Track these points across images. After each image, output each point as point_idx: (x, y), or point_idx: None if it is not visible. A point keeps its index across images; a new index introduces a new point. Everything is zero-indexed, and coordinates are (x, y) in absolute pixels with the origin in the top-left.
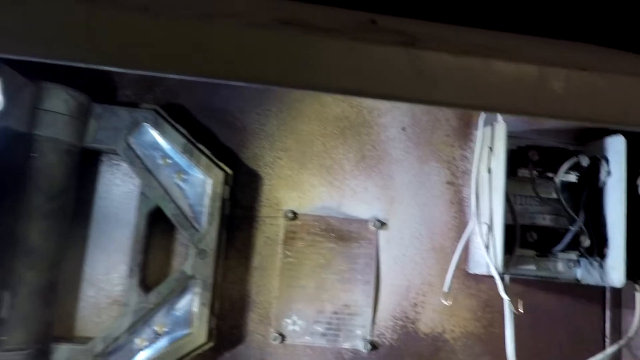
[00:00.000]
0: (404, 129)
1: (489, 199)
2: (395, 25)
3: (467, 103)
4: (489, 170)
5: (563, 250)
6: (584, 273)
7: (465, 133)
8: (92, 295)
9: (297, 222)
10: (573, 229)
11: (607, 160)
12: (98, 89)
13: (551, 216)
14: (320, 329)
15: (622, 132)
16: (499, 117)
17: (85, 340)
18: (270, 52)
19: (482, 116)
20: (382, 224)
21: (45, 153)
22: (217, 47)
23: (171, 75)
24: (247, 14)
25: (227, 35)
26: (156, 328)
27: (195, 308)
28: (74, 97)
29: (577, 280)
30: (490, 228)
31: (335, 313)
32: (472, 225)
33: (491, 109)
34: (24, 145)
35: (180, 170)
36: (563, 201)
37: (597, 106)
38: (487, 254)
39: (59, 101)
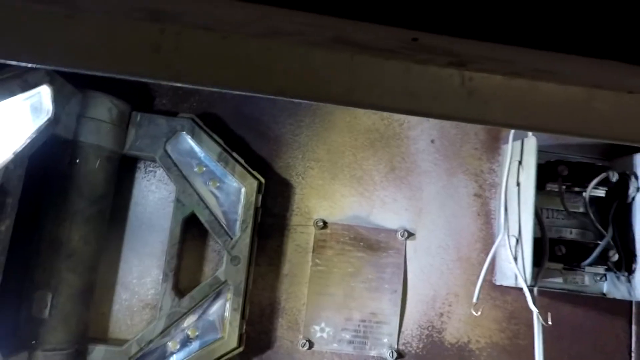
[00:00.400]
0: (432, 141)
1: (517, 212)
2: (437, 43)
3: (516, 123)
4: (518, 184)
5: (591, 265)
6: (611, 287)
7: (493, 147)
8: (126, 298)
9: (327, 230)
10: (602, 243)
11: (636, 177)
12: (138, 97)
13: (578, 230)
14: (347, 336)
15: None
16: (530, 132)
17: (118, 342)
18: (331, 71)
19: (513, 131)
20: (410, 234)
21: (88, 159)
22: (282, 65)
23: (237, 92)
24: (303, 32)
25: (291, 53)
26: (189, 332)
27: (227, 313)
28: (117, 105)
29: (603, 294)
30: (518, 241)
31: (363, 321)
32: (500, 237)
33: (538, 129)
34: (69, 152)
35: (215, 178)
36: (592, 216)
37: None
38: (515, 266)
39: (103, 109)
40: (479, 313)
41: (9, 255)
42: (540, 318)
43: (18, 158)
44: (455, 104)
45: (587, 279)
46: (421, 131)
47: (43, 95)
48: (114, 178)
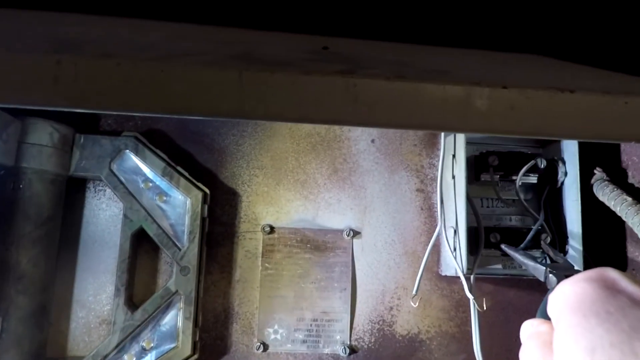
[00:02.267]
0: (373, 141)
1: (454, 204)
2: (344, 49)
3: (400, 123)
4: (453, 177)
5: (526, 248)
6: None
7: (432, 142)
8: (83, 315)
9: (275, 235)
10: (534, 228)
11: (563, 162)
12: (82, 120)
13: (517, 217)
14: (301, 336)
15: None
16: (414, 130)
17: (77, 359)
18: (220, 87)
19: None
20: (356, 233)
21: (31, 184)
22: (174, 86)
23: (135, 113)
24: (207, 51)
25: (183, 74)
26: (144, 344)
27: (180, 322)
28: (58, 129)
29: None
30: (455, 232)
31: (315, 320)
32: (438, 229)
33: (422, 127)
34: (11, 177)
35: (161, 193)
36: (523, 202)
37: (515, 120)
38: (453, 256)
39: (43, 134)
40: (417, 304)
41: None
42: (476, 304)
43: None
44: (341, 110)
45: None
46: (361, 132)
47: None
48: (61, 200)
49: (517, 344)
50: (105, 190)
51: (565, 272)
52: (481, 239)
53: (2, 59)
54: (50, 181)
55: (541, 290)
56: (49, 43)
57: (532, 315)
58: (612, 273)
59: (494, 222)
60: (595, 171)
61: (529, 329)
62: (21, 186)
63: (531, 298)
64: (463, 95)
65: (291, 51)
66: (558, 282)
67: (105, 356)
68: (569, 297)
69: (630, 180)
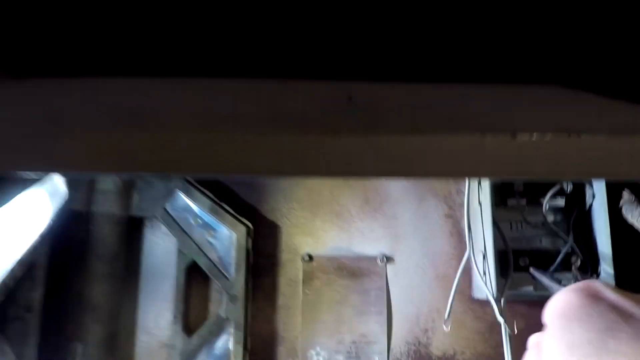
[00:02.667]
0: None
1: (481, 229)
2: (369, 97)
3: (416, 173)
4: (480, 203)
5: (556, 271)
6: None
7: None
8: (146, 340)
9: (314, 263)
10: (563, 250)
11: (591, 184)
12: None
13: (547, 239)
14: (341, 358)
15: None
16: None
17: None
18: (258, 151)
19: None
20: (389, 259)
21: (100, 225)
22: (215, 150)
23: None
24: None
25: (223, 141)
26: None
27: (231, 346)
28: (121, 176)
29: None
30: (484, 256)
31: (354, 342)
32: (467, 254)
33: (436, 175)
34: (84, 221)
35: (209, 228)
36: (551, 225)
37: (523, 166)
38: (482, 280)
39: (109, 181)
40: (449, 329)
41: (45, 316)
42: (508, 328)
43: (43, 236)
44: (364, 165)
45: (555, 286)
46: None
47: (56, 181)
48: (125, 238)
49: None
50: (160, 227)
51: None
52: (510, 262)
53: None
54: (115, 222)
55: None
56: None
57: None
58: (597, 284)
59: (524, 246)
60: (623, 193)
61: (531, 340)
62: (92, 228)
63: None
64: (474, 144)
65: (315, 103)
66: None
67: None
68: (557, 305)
69: None
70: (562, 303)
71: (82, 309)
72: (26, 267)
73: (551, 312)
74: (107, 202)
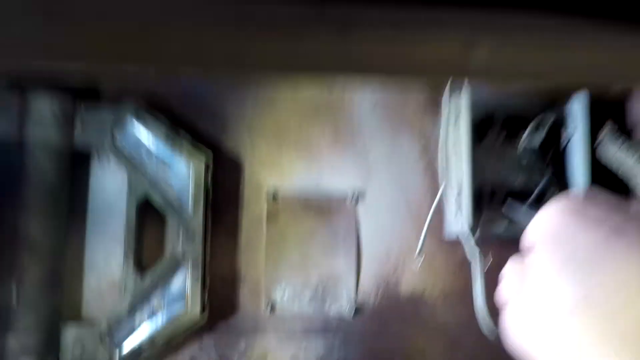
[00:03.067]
0: (375, 104)
1: (456, 165)
2: (342, 12)
3: (396, 79)
4: (457, 138)
5: (531, 207)
6: None
7: (435, 103)
8: (95, 281)
9: (279, 200)
10: (539, 186)
11: (570, 119)
12: (81, 90)
13: (522, 177)
14: (307, 296)
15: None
16: (465, 84)
17: (91, 321)
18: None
19: (449, 83)
20: (360, 196)
21: (36, 155)
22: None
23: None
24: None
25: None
26: (154, 306)
27: (188, 285)
28: (59, 100)
29: None
30: (459, 192)
31: (321, 281)
32: (441, 190)
33: (420, 78)
34: (18, 151)
35: (164, 161)
36: (528, 161)
37: (513, 69)
38: (455, 218)
39: (44, 106)
40: (420, 265)
41: None
42: (480, 264)
43: None
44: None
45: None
46: (363, 96)
47: None
48: (67, 170)
49: None
50: (109, 161)
51: None
52: (485, 198)
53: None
54: (54, 152)
55: None
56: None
57: None
58: (574, 197)
59: (499, 183)
60: (606, 123)
61: (507, 269)
62: (27, 159)
63: None
64: (462, 45)
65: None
66: None
67: (119, 318)
68: (542, 225)
69: (637, 138)
70: (547, 223)
71: (16, 247)
72: None
73: (535, 234)
74: (42, 129)
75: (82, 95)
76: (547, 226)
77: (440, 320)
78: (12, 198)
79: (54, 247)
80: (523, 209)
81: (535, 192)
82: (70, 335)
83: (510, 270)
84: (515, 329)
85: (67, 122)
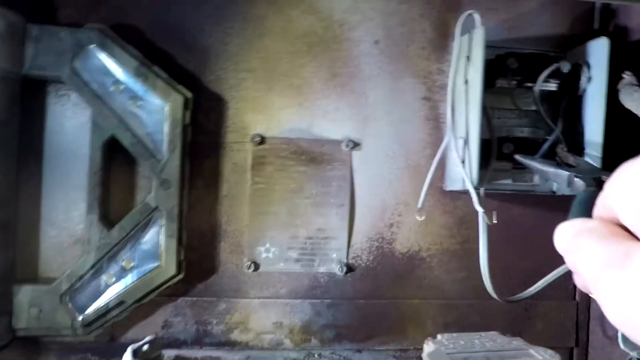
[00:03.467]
0: (376, 42)
1: (465, 112)
2: None
3: None
4: (466, 82)
5: (543, 160)
6: (560, 184)
7: (442, 45)
8: (54, 235)
9: (266, 146)
10: (550, 138)
11: (588, 66)
12: (34, 9)
13: (530, 128)
14: (294, 255)
15: (608, 35)
16: (477, 22)
17: (50, 280)
18: None
19: (460, 23)
20: (355, 145)
21: None
22: None
23: None
24: None
25: None
26: (123, 264)
27: (162, 240)
28: (5, 16)
29: (553, 192)
30: (466, 142)
31: (310, 238)
32: (447, 140)
33: None
34: None
35: (135, 96)
36: (542, 111)
37: None
38: (462, 169)
39: None
40: (423, 218)
41: None
42: (486, 217)
43: None
44: None
45: (536, 178)
46: (364, 32)
47: None
48: (16, 102)
49: (517, 261)
50: (69, 95)
51: (591, 174)
52: (493, 150)
53: None
54: (0, 79)
55: (548, 207)
56: None
57: (534, 232)
58: None
59: (505, 133)
60: (624, 75)
61: (576, 228)
62: None
63: (536, 215)
64: None
65: None
66: (587, 185)
67: (81, 276)
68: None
69: None
70: None
71: None
72: None
73: (637, 194)
74: None
75: (36, 15)
76: None
77: (436, 279)
78: None
79: (4, 194)
80: (537, 160)
81: (548, 143)
82: (24, 296)
83: (585, 234)
84: (623, 309)
85: (16, 42)
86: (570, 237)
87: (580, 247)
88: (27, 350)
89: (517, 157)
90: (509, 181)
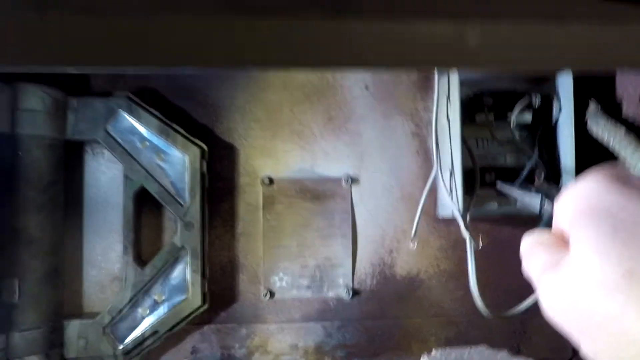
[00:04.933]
0: (367, 87)
1: (449, 145)
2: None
3: (392, 65)
4: (448, 119)
5: (521, 186)
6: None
7: (425, 85)
8: (95, 274)
9: (274, 187)
10: (528, 164)
11: (558, 97)
12: (72, 83)
13: (511, 156)
14: (305, 282)
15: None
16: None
17: (93, 315)
18: (214, 38)
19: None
20: (354, 180)
21: (29, 150)
22: (163, 39)
23: (127, 69)
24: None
25: (173, 27)
26: (155, 297)
27: (188, 275)
28: (49, 93)
29: (537, 213)
30: (452, 173)
31: (318, 267)
32: (435, 172)
33: (413, 67)
34: (10, 145)
35: (159, 151)
36: (518, 140)
37: (507, 55)
38: (449, 197)
39: (35, 99)
40: (415, 246)
41: None
42: (473, 242)
43: None
44: (332, 54)
45: (519, 202)
46: (354, 79)
47: None
48: (61, 164)
49: (508, 279)
50: (104, 153)
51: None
52: (477, 178)
53: None
54: (48, 146)
55: (535, 225)
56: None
57: None
58: (617, 167)
59: (489, 162)
60: (589, 103)
61: (531, 239)
62: (20, 153)
63: (523, 235)
64: (454, 32)
65: None
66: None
67: (120, 310)
68: (579, 200)
69: (625, 112)
70: (583, 196)
71: (15, 244)
72: None
73: (570, 208)
74: (35, 123)
75: (73, 87)
76: (584, 199)
77: (436, 299)
78: (9, 194)
79: (53, 241)
80: (515, 187)
81: (526, 169)
82: (73, 329)
83: (538, 248)
84: (553, 306)
85: (59, 115)
86: (527, 246)
87: (531, 254)
88: None
89: (498, 185)
90: (495, 205)
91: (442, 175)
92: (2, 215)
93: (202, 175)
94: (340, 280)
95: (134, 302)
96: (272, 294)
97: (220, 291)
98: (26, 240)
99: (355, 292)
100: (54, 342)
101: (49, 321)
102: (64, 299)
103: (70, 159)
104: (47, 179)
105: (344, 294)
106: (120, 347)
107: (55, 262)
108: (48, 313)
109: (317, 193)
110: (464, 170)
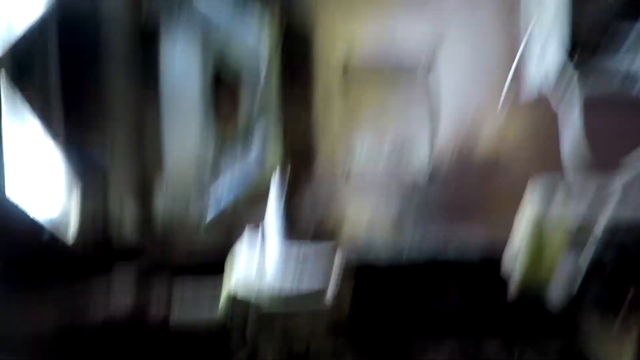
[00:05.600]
0: None
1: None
2: None
3: None
4: None
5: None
6: None
7: None
8: (175, 152)
9: (354, 61)
10: None
11: None
12: None
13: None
14: (382, 164)
15: None
16: None
17: (177, 189)
18: None
19: None
20: (435, 59)
21: (111, 32)
22: None
23: None
24: None
25: None
26: (233, 174)
27: (267, 151)
28: None
29: None
30: (548, 34)
31: (397, 143)
32: (529, 31)
33: None
34: (94, 30)
35: (233, 30)
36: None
37: None
38: (540, 66)
39: None
40: (503, 115)
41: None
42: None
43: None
44: None
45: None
46: None
47: None
48: (139, 46)
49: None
50: (178, 41)
51: None
52: (578, 47)
53: None
54: (125, 27)
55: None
56: None
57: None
58: None
59: (597, 29)
60: None
61: None
62: (102, 36)
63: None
64: None
65: None
66: None
67: (202, 185)
68: None
69: None
70: None
71: (105, 115)
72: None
73: None
74: (115, 7)
75: None
76: None
77: (514, 183)
78: (94, 72)
79: (134, 119)
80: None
81: None
82: (160, 202)
83: None
84: None
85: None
86: None
87: None
88: None
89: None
90: (598, 85)
91: (535, 39)
92: (89, 90)
93: (281, 52)
94: (418, 160)
95: (214, 178)
96: (349, 174)
97: (300, 162)
98: (111, 114)
99: (433, 174)
100: (146, 213)
101: (138, 191)
102: (149, 174)
103: (146, 43)
104: (126, 59)
105: (421, 174)
106: (205, 217)
107: (138, 137)
108: (137, 183)
109: (395, 74)
110: (571, 26)
